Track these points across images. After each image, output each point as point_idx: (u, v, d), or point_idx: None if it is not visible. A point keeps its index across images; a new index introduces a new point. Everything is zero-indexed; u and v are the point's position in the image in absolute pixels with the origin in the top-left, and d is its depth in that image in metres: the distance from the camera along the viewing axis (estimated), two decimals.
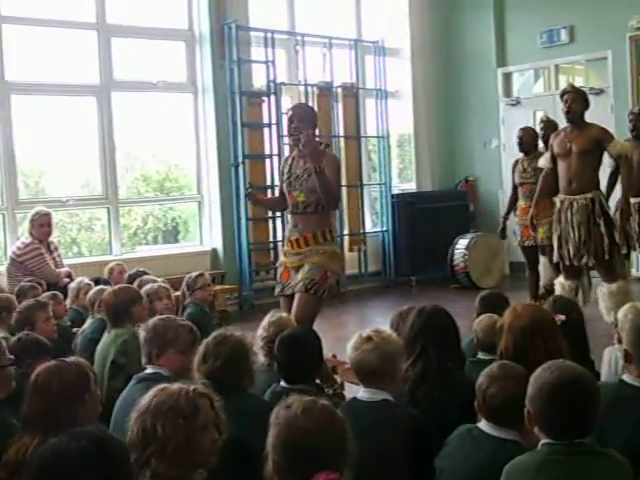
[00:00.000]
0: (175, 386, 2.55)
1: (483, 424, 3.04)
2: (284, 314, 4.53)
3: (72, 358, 3.17)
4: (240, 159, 10.24)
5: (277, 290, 6.04)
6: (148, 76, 10.14)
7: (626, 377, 3.32)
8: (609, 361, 4.34)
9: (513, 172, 8.74)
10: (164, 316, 4.12)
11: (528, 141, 8.57)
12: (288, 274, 5.91)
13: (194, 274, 6.61)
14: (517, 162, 8.70)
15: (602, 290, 7.32)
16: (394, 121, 12.31)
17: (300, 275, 5.80)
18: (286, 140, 10.60)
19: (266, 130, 10.58)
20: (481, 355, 4.16)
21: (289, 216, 6.16)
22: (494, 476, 2.71)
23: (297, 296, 5.72)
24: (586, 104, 7.41)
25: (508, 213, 8.87)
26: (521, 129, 8.80)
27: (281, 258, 6.19)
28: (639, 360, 3.27)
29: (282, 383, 3.77)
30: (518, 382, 2.95)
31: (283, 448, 2.37)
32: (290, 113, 5.99)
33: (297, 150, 6.02)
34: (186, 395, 2.51)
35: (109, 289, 5.68)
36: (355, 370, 3.41)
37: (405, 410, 3.35)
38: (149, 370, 3.85)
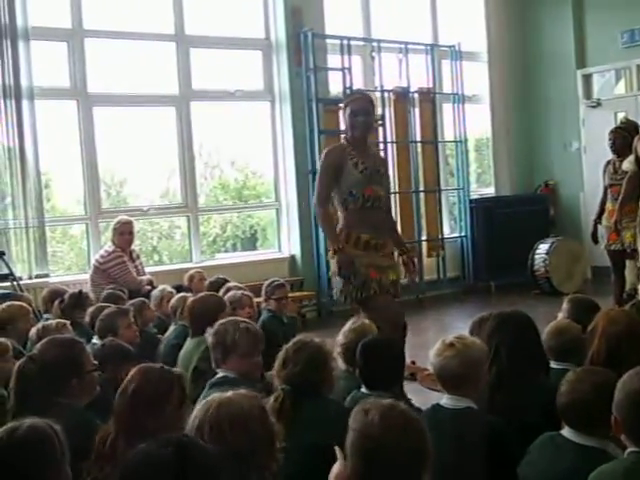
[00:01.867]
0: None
1: (566, 431, 2.99)
2: (366, 321, 4.51)
3: (167, 367, 3.19)
4: (317, 166, 10.25)
5: (367, 291, 5.57)
6: (226, 85, 10.25)
7: None
8: None
9: (604, 173, 8.51)
10: (225, 320, 4.14)
11: (620, 142, 8.31)
12: (376, 273, 5.58)
13: (276, 282, 6.63)
14: (609, 163, 8.45)
15: None
16: (471, 125, 12.21)
17: (392, 275, 5.69)
18: None
19: (343, 137, 10.56)
20: (553, 364, 4.00)
21: (358, 212, 5.63)
22: None
23: (381, 299, 5.55)
24: None
25: (599, 216, 8.56)
26: (612, 130, 8.56)
27: (365, 259, 5.60)
28: None
29: (363, 389, 3.76)
30: (600, 387, 2.89)
31: (358, 456, 2.33)
32: (352, 107, 5.73)
33: (356, 141, 5.74)
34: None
35: (192, 296, 5.77)
36: (438, 377, 3.39)
37: (488, 419, 3.31)
38: (219, 374, 3.91)
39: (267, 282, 6.61)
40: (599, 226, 8.54)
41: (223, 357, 3.91)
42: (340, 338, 4.39)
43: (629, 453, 2.60)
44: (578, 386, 2.96)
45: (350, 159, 5.63)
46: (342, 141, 6.01)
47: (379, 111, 10.92)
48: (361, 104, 5.74)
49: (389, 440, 2.28)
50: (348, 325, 4.45)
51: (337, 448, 2.47)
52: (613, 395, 2.69)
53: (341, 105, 10.37)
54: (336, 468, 2.48)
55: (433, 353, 3.37)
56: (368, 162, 5.67)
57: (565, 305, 4.84)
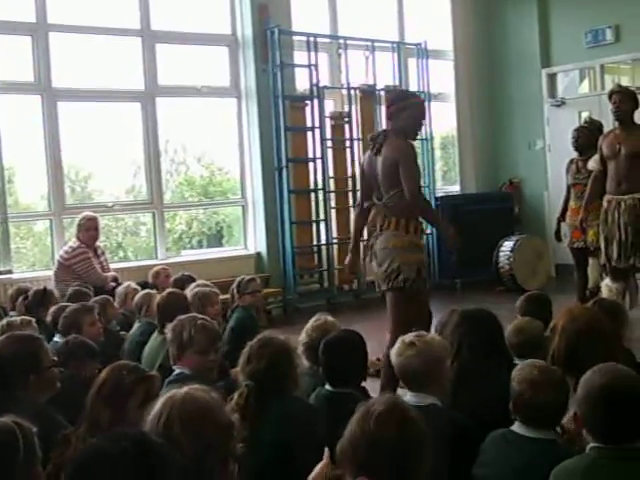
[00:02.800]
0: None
1: (517, 426, 3.03)
2: (329, 318, 4.52)
3: (138, 366, 3.19)
4: (283, 163, 10.27)
5: (424, 285, 5.79)
6: (192, 81, 10.21)
7: None
8: None
9: (567, 172, 8.57)
10: (183, 317, 4.14)
11: (583, 140, 8.37)
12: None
13: (247, 278, 6.60)
14: (572, 162, 8.50)
15: None
16: (437, 123, 12.26)
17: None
18: (329, 144, 10.68)
19: (309, 134, 10.60)
20: (516, 361, 4.05)
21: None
22: (538, 477, 2.69)
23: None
24: (635, 104, 7.29)
25: (563, 214, 8.61)
26: (576, 128, 8.62)
27: (418, 254, 5.74)
28: None
29: (327, 387, 3.77)
30: (560, 387, 2.95)
31: (352, 456, 2.30)
32: (421, 112, 5.95)
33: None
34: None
35: (157, 293, 5.75)
36: (400, 376, 3.41)
37: (452, 415, 3.34)
38: (176, 371, 3.92)
39: (237, 280, 6.57)
40: (563, 224, 8.62)
41: (179, 353, 3.93)
42: (303, 336, 4.39)
43: (590, 448, 2.63)
44: (548, 389, 2.99)
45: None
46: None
47: (345, 108, 10.96)
48: (424, 110, 6.07)
49: (386, 444, 2.26)
50: (311, 323, 4.46)
51: (326, 449, 2.49)
52: (568, 393, 2.74)
53: (307, 102, 10.49)
54: (319, 468, 2.49)
55: (394, 353, 3.38)
56: None
57: (521, 303, 4.89)
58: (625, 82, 11.31)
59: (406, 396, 3.38)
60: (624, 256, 7.08)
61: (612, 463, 2.54)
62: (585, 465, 2.60)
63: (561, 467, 2.66)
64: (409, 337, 3.39)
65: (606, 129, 8.02)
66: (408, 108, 5.84)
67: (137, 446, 2.04)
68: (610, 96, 7.31)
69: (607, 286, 7.29)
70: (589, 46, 11.66)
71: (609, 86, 10.99)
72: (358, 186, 10.77)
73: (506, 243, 11.02)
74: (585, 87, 12.39)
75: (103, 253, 8.57)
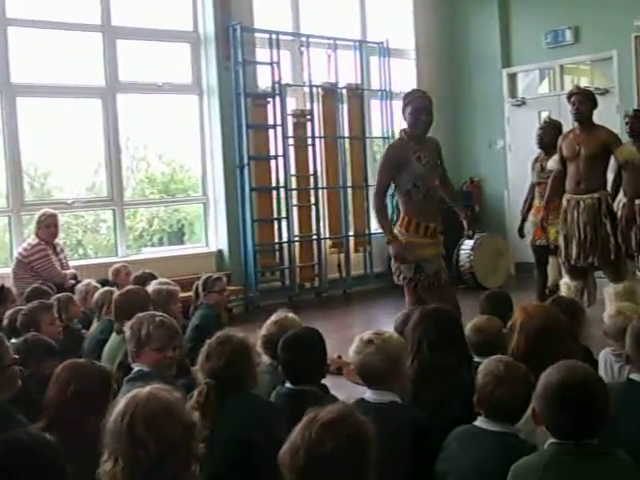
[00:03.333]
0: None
1: (480, 421, 3.07)
2: (290, 315, 4.52)
3: (97, 363, 3.16)
4: (245, 160, 10.25)
5: (439, 280, 5.98)
6: (153, 78, 10.15)
7: (634, 376, 3.33)
8: (605, 363, 4.35)
9: (532, 170, 8.64)
10: (142, 314, 4.12)
11: (548, 139, 8.39)
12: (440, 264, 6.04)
13: (213, 276, 6.59)
14: (536, 160, 8.56)
15: (608, 290, 7.31)
16: (399, 122, 12.27)
17: (439, 265, 6.02)
18: (291, 141, 10.68)
19: (271, 131, 10.59)
20: (476, 359, 4.08)
21: (422, 203, 6.03)
22: (502, 471, 2.73)
23: (449, 288, 6.04)
24: (594, 104, 7.36)
25: (527, 212, 8.67)
26: (541, 127, 8.67)
27: (428, 250, 6.02)
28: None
29: (287, 384, 3.77)
30: (525, 383, 2.98)
31: (290, 463, 2.21)
32: (415, 105, 6.06)
33: (416, 136, 6.07)
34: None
35: (117, 291, 5.71)
36: (359, 374, 3.42)
37: (412, 412, 3.35)
38: (135, 369, 3.89)
39: (203, 277, 6.54)
40: (526, 222, 8.68)
41: (137, 350, 3.90)
42: (263, 330, 4.40)
43: (549, 444, 2.66)
44: (513, 384, 3.04)
45: (413, 153, 6.00)
46: (402, 135, 6.26)
47: (307, 106, 10.96)
48: (423, 103, 6.10)
49: (331, 454, 2.16)
50: (272, 318, 4.47)
51: None
52: (532, 388, 2.78)
53: (269, 99, 10.48)
54: None
55: (353, 351, 3.39)
56: (429, 156, 6.05)
57: (481, 301, 4.94)
58: (584, 82, 11.45)
59: (366, 394, 3.40)
60: (583, 255, 7.16)
61: (570, 459, 2.57)
62: (544, 461, 2.62)
63: (520, 463, 2.69)
64: (367, 335, 3.41)
65: (565, 129, 8.10)
66: (410, 104, 6.10)
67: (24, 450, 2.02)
68: (569, 97, 7.38)
69: (566, 284, 7.37)
70: (549, 47, 11.78)
71: (569, 86, 11.12)
72: (320, 184, 10.93)
73: (466, 241, 11.08)
74: (545, 87, 12.51)
75: (62, 250, 8.48)
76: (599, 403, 2.61)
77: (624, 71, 10.94)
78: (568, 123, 8.05)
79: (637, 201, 7.93)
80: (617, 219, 7.38)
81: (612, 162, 7.57)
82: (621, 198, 7.99)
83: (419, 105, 6.07)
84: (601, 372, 4.29)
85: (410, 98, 6.19)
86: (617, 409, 3.06)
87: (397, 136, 11.78)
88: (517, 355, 3.53)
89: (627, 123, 8.47)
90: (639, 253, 8.63)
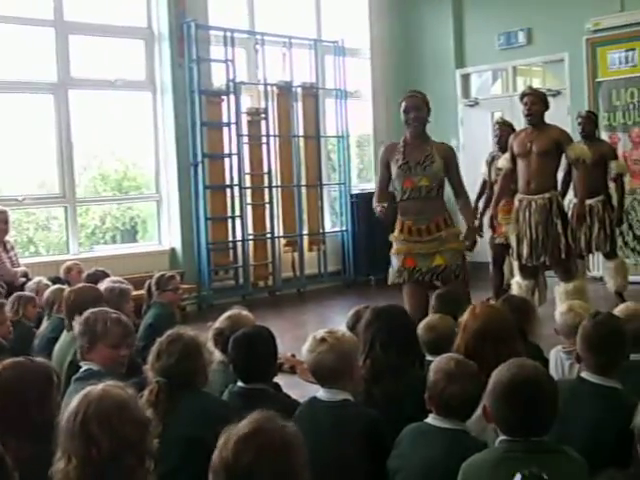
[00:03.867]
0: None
1: (431, 419, 3.09)
2: (244, 312, 4.51)
3: (38, 359, 3.12)
4: (199, 158, 10.21)
5: (401, 277, 6.09)
6: (106, 74, 10.06)
7: (585, 374, 3.37)
8: (555, 361, 4.40)
9: (489, 168, 8.66)
10: (96, 309, 4.08)
11: (506, 138, 8.39)
12: (414, 260, 6.05)
13: (167, 274, 6.54)
14: (493, 158, 8.59)
15: (559, 289, 7.40)
16: (354, 121, 12.34)
17: (439, 260, 6.03)
18: (245, 140, 10.65)
19: (225, 129, 10.56)
20: (428, 357, 4.10)
21: (403, 203, 6.22)
22: (451, 467, 2.75)
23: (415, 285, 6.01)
24: (546, 105, 7.44)
25: (485, 209, 8.60)
26: (499, 126, 8.70)
27: (396, 246, 6.20)
28: (590, 363, 3.37)
29: (239, 383, 3.76)
30: (475, 380, 3.02)
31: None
32: (404, 104, 6.29)
33: (409, 137, 6.29)
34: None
35: (69, 288, 5.64)
36: (313, 372, 3.42)
37: (365, 411, 3.37)
38: (83, 368, 3.84)
39: (157, 276, 6.48)
40: (484, 219, 8.66)
41: (90, 345, 3.86)
42: (215, 325, 4.39)
43: (499, 442, 2.68)
44: (464, 381, 3.06)
45: (396, 155, 6.17)
46: (404, 137, 6.45)
47: (262, 104, 10.94)
48: (412, 101, 6.31)
49: (252, 465, 2.13)
50: (226, 313, 4.47)
51: None
52: (482, 386, 2.81)
53: (223, 97, 10.44)
54: None
55: (306, 349, 3.40)
56: (412, 156, 6.13)
57: (433, 301, 4.97)
58: (536, 84, 11.59)
59: (319, 392, 3.40)
60: (535, 255, 7.23)
61: (520, 456, 2.59)
62: (494, 458, 2.65)
63: (470, 461, 2.71)
64: (320, 333, 3.42)
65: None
66: (401, 105, 6.41)
67: None
68: (522, 98, 7.45)
69: (517, 283, 7.45)
70: (502, 48, 11.89)
71: (521, 87, 11.22)
72: (274, 182, 10.91)
73: None
74: (498, 88, 12.63)
75: (13, 248, 8.37)
76: (547, 401, 2.64)
77: (575, 73, 11.08)
78: (520, 124, 8.12)
79: (588, 200, 8.04)
80: (568, 219, 7.46)
81: (562, 161, 7.66)
82: (572, 198, 8.08)
83: (408, 103, 6.30)
84: (552, 370, 4.34)
85: (402, 99, 6.42)
86: (568, 407, 3.11)
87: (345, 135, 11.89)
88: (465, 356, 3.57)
89: (579, 124, 8.60)
90: (589, 252, 8.76)
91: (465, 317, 3.77)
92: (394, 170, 6.17)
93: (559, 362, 4.41)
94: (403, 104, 6.30)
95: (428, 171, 6.15)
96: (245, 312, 4.52)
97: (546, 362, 4.35)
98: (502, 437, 2.66)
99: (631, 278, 8.88)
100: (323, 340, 3.35)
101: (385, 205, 6.22)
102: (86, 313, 4.03)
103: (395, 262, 6.17)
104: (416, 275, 6.04)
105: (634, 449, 2.55)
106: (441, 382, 3.07)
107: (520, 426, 2.62)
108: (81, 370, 3.85)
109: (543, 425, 2.64)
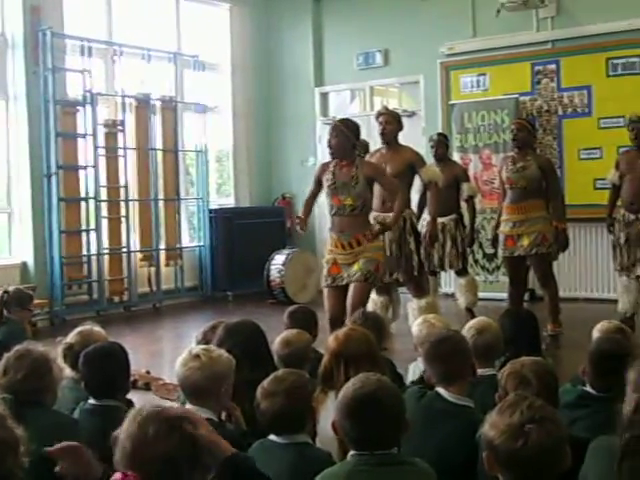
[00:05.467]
0: None
1: (272, 434, 3.12)
2: (96, 328, 4.42)
3: None
4: (53, 169, 9.94)
5: (326, 282, 6.56)
6: None
7: (441, 390, 3.48)
8: (413, 374, 4.51)
9: None
10: None
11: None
12: (338, 268, 6.48)
13: (18, 290, 6.37)
14: None
15: (412, 306, 7.58)
16: (213, 136, 12.31)
17: (355, 267, 6.38)
18: (102, 152, 10.45)
19: (81, 141, 10.33)
20: None
21: (332, 217, 6.69)
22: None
23: (354, 285, 6.37)
24: (400, 125, 7.70)
25: None
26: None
27: (327, 256, 6.64)
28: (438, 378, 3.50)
29: (90, 400, 3.68)
30: (296, 394, 3.11)
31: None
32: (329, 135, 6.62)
33: (338, 160, 6.60)
34: None
35: None
36: (181, 386, 3.39)
37: (224, 430, 3.34)
38: None
39: (7, 291, 6.27)
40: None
41: None
42: (66, 340, 4.29)
43: (351, 456, 2.72)
44: (268, 393, 3.13)
45: (326, 174, 6.63)
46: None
47: (119, 116, 10.76)
48: (330, 127, 6.71)
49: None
50: (77, 329, 4.37)
51: None
52: (307, 398, 3.04)
53: (79, 108, 10.21)
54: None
55: (179, 362, 3.36)
56: (338, 176, 6.52)
57: (285, 319, 5.02)
58: (393, 104, 11.88)
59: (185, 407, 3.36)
60: (388, 271, 7.40)
61: (369, 469, 2.63)
62: (346, 472, 2.68)
63: (324, 474, 2.73)
64: (196, 349, 3.40)
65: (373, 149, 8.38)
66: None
67: None
68: (377, 117, 7.70)
69: (372, 300, 7.58)
70: (360, 68, 12.13)
71: (378, 107, 11.47)
72: (131, 196, 10.75)
73: (277, 257, 11.20)
74: (356, 107, 12.85)
75: None
76: (391, 414, 2.68)
77: (430, 95, 11.42)
78: (377, 144, 8.29)
79: (441, 219, 8.29)
80: (421, 237, 7.70)
81: (418, 182, 7.89)
82: (426, 216, 8.32)
83: (329, 131, 6.64)
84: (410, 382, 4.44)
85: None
86: (422, 420, 3.20)
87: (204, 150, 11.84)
88: (324, 375, 3.67)
89: (432, 147, 8.83)
90: (442, 269, 9.02)
91: (330, 338, 3.86)
92: (325, 188, 6.64)
93: (417, 375, 4.50)
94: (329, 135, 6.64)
95: (352, 192, 6.46)
96: (97, 328, 4.43)
97: (399, 376, 4.44)
98: (352, 451, 2.70)
99: (481, 294, 9.18)
100: (197, 356, 3.32)
101: (301, 217, 6.88)
102: None
103: (324, 269, 6.66)
104: (337, 281, 6.46)
105: (480, 459, 2.63)
106: (261, 402, 3.13)
107: (364, 440, 2.66)
108: None
109: (388, 439, 2.68)
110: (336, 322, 5.97)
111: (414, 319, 7.30)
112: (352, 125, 6.66)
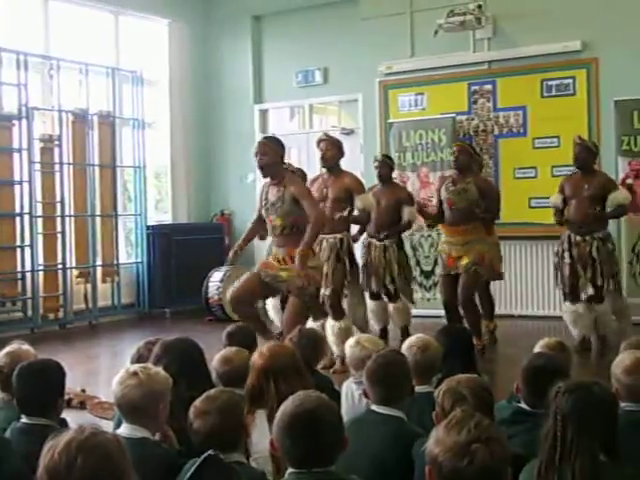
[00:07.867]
0: None
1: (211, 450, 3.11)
2: (24, 346, 4.34)
3: None
4: None
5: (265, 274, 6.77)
6: None
7: (375, 407, 3.54)
8: (346, 394, 4.53)
9: None
10: None
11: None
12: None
13: None
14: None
15: (331, 325, 7.56)
16: (151, 152, 12.23)
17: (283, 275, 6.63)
18: (37, 167, 10.31)
19: (16, 155, 10.17)
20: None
21: (271, 235, 6.86)
22: None
23: (289, 300, 6.73)
24: (340, 152, 7.85)
25: None
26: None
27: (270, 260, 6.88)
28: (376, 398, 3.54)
29: (23, 419, 3.61)
30: (227, 412, 3.12)
31: None
32: (255, 150, 6.66)
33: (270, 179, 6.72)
34: None
35: None
36: (117, 405, 3.34)
37: (162, 450, 3.31)
38: None
39: None
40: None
41: None
42: None
43: (289, 474, 2.71)
44: (200, 412, 3.14)
45: (263, 193, 6.82)
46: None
47: (56, 131, 10.64)
48: (258, 147, 6.68)
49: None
50: (4, 349, 4.28)
51: None
52: (238, 416, 3.08)
53: (15, 122, 10.07)
54: None
55: (116, 380, 3.32)
56: (270, 197, 6.66)
57: (224, 338, 5.02)
58: (332, 122, 11.98)
59: (121, 428, 3.31)
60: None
61: None
62: None
63: None
64: (134, 367, 3.36)
65: (314, 171, 8.51)
66: None
67: None
68: (318, 143, 7.86)
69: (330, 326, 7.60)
70: (300, 86, 12.18)
71: (317, 125, 11.57)
72: (67, 212, 10.61)
73: (216, 274, 11.14)
74: (295, 124, 12.89)
75: None
76: (327, 432, 2.67)
77: (368, 113, 11.49)
78: (315, 162, 8.36)
79: (382, 242, 8.41)
80: (355, 259, 7.88)
81: None
82: (364, 237, 8.48)
83: (255, 149, 6.68)
84: (343, 401, 4.45)
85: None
86: (358, 438, 3.21)
87: (142, 166, 11.78)
88: (251, 394, 3.70)
89: (376, 168, 8.80)
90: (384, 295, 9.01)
91: (254, 356, 3.86)
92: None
93: (350, 393, 4.52)
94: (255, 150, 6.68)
95: (279, 212, 6.58)
96: (25, 346, 4.34)
97: (336, 394, 4.45)
98: (290, 469, 2.69)
99: (418, 312, 9.24)
100: (135, 374, 3.28)
101: (236, 249, 7.07)
102: None
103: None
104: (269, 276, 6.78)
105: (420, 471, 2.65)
106: (191, 418, 3.14)
107: (302, 457, 2.65)
108: None
109: (326, 456, 2.67)
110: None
111: (332, 339, 7.38)
112: (276, 141, 6.74)
